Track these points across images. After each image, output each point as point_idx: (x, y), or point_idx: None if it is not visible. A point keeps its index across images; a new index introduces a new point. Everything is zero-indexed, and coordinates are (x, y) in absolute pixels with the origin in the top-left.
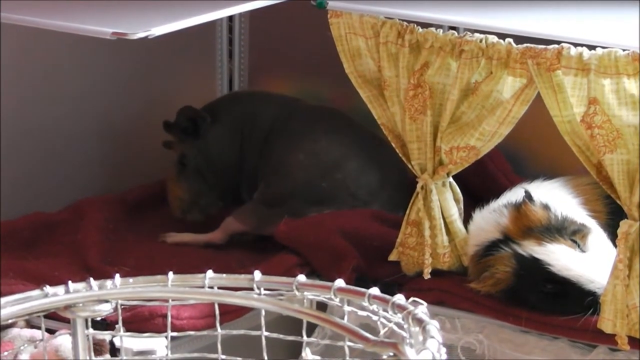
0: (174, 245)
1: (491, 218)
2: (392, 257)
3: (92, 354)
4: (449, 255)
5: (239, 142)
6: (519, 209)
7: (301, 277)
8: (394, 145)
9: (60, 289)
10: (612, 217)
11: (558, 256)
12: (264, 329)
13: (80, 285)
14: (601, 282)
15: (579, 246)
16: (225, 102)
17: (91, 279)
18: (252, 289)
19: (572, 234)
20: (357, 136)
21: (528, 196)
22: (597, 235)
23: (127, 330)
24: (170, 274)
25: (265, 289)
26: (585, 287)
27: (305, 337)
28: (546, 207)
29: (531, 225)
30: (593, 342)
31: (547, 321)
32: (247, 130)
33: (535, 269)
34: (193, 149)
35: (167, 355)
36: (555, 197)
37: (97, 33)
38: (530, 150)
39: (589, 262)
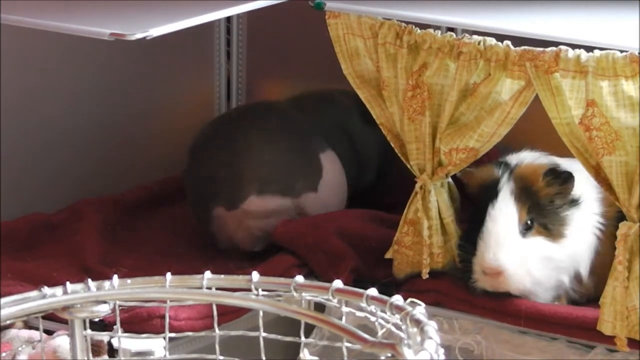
0: (172, 247)
1: None
2: (389, 254)
3: (90, 354)
4: (442, 255)
5: None
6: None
7: (299, 278)
8: (392, 144)
9: (58, 290)
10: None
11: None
12: (262, 329)
13: (79, 286)
14: None
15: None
16: None
17: (89, 280)
18: (250, 290)
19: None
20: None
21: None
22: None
23: (125, 331)
24: (169, 275)
25: (263, 290)
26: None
27: (303, 338)
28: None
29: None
30: (591, 340)
31: (546, 319)
32: None
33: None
34: None
35: (165, 356)
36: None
37: (96, 34)
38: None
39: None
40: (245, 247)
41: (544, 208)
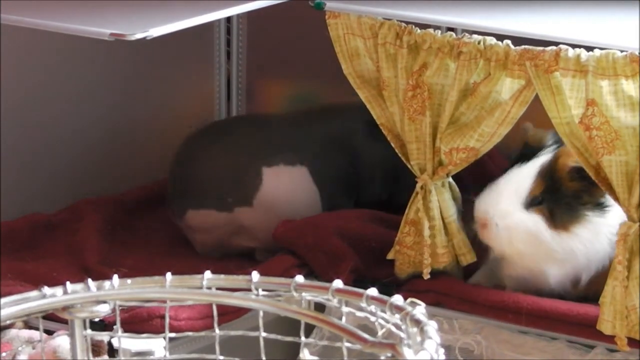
0: (172, 247)
1: None
2: (390, 255)
3: (90, 354)
4: (446, 255)
5: None
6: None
7: (299, 278)
8: (393, 144)
9: (58, 290)
10: None
11: None
12: (262, 329)
13: (79, 286)
14: None
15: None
16: None
17: (89, 279)
18: (250, 290)
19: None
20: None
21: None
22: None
23: (125, 331)
24: (169, 274)
25: (263, 290)
26: None
27: (303, 338)
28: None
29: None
30: (593, 338)
31: (547, 316)
32: None
33: None
34: None
35: (165, 356)
36: None
37: (96, 34)
38: None
39: None
40: (204, 254)
41: (561, 196)
